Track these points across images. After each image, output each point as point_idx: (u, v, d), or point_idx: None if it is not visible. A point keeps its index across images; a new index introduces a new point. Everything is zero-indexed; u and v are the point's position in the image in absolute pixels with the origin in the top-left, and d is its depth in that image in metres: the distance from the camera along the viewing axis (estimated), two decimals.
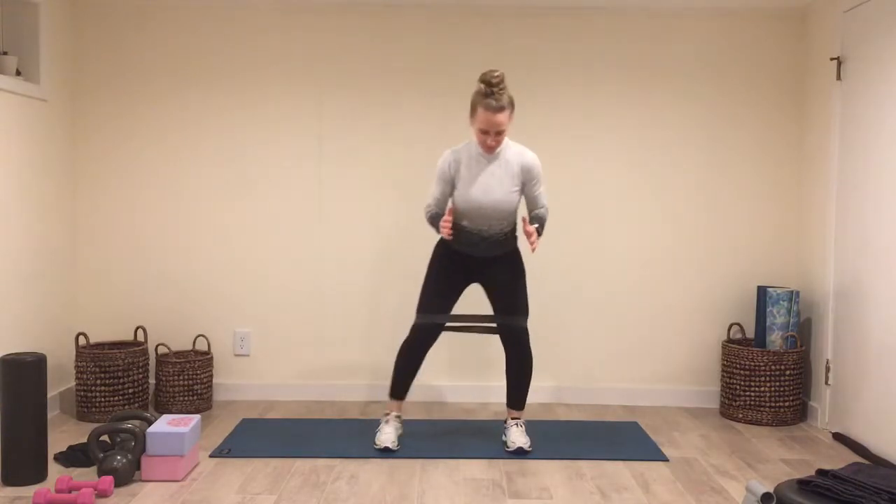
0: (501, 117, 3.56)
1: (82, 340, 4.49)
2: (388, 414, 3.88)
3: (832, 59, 4.22)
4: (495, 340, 4.67)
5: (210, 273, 4.65)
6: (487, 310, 3.96)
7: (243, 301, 4.67)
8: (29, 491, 3.26)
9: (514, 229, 3.79)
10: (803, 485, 3.04)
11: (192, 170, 4.62)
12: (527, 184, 3.72)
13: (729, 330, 4.62)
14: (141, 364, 4.32)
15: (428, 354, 4.68)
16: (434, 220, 3.74)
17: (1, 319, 3.84)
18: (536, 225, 3.70)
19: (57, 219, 4.39)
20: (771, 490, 2.98)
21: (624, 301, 4.68)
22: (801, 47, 4.61)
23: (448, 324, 3.84)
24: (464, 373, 4.70)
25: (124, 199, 4.62)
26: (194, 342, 4.62)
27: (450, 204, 3.75)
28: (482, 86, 3.56)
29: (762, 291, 4.42)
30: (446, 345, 4.65)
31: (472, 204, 3.66)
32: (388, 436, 3.77)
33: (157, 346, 4.51)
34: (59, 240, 4.41)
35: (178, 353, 4.54)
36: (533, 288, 4.66)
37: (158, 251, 4.63)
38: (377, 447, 3.75)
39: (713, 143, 4.64)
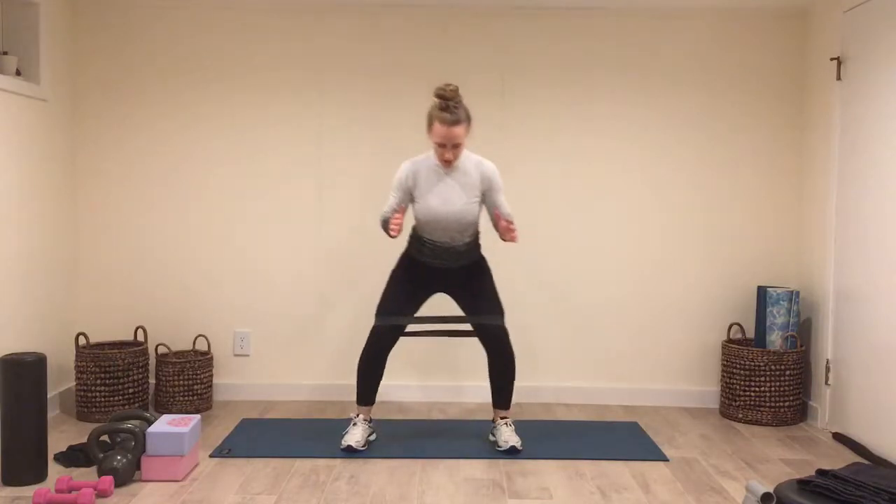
0: (458, 130, 3.58)
1: (82, 340, 4.49)
2: (356, 416, 3.86)
3: (832, 59, 4.22)
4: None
5: (210, 273, 4.65)
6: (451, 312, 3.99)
7: (243, 301, 4.67)
8: (29, 491, 3.26)
9: (476, 238, 3.79)
10: (803, 485, 3.04)
11: (192, 170, 4.62)
12: (487, 193, 3.71)
13: (729, 330, 4.62)
14: (141, 364, 4.32)
15: (428, 354, 4.69)
16: (385, 223, 3.68)
17: (1, 319, 3.84)
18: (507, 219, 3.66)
19: (57, 219, 4.39)
20: (771, 490, 2.98)
21: (624, 301, 4.68)
22: (801, 47, 4.61)
23: (411, 326, 3.83)
24: (463, 373, 4.69)
25: (124, 199, 4.62)
26: (194, 342, 4.62)
27: (399, 206, 3.70)
28: (437, 100, 3.59)
29: (762, 291, 4.42)
30: (447, 345, 4.65)
31: (432, 216, 3.66)
32: (353, 436, 3.76)
33: (157, 346, 4.51)
34: (59, 240, 4.41)
35: (178, 353, 4.54)
36: (533, 288, 4.67)
37: (158, 251, 4.63)
38: (341, 447, 3.74)
39: (713, 143, 4.64)
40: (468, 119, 3.63)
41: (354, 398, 4.63)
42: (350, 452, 3.72)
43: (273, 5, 4.57)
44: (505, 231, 3.58)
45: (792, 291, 4.35)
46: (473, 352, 4.68)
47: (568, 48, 4.61)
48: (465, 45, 4.60)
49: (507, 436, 3.78)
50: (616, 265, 4.67)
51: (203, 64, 4.60)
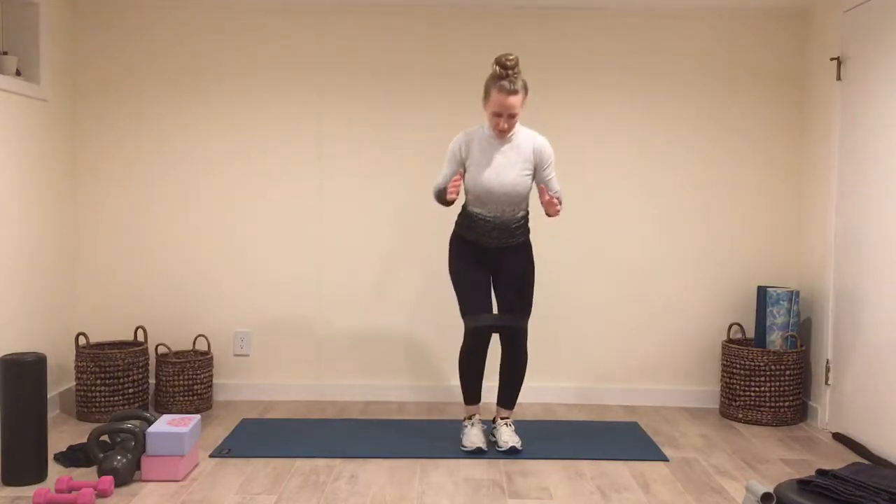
0: (514, 100, 3.56)
1: (82, 340, 4.49)
2: (470, 418, 3.86)
3: (832, 59, 4.22)
4: (495, 341, 4.68)
5: (210, 273, 4.65)
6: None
7: (243, 301, 4.67)
8: (29, 491, 3.26)
9: (526, 218, 3.77)
10: (803, 485, 3.04)
11: (192, 170, 4.62)
12: (538, 168, 3.71)
13: (729, 330, 4.61)
14: (141, 364, 4.32)
15: (429, 355, 4.69)
16: (440, 193, 3.69)
17: (1, 319, 3.84)
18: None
19: (57, 219, 4.39)
20: (771, 490, 2.98)
21: (624, 301, 4.68)
22: (801, 47, 4.61)
23: (496, 323, 3.77)
24: None
25: (124, 199, 4.62)
26: (194, 342, 4.62)
27: (456, 173, 3.69)
28: (497, 68, 3.56)
29: (762, 291, 4.42)
30: (446, 345, 4.64)
31: (484, 187, 3.64)
32: (476, 437, 3.77)
33: (157, 346, 4.51)
34: (59, 240, 4.41)
35: (178, 353, 4.54)
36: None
37: (158, 251, 4.63)
38: (466, 449, 3.74)
39: (713, 143, 4.64)
40: (525, 90, 3.61)
41: (357, 398, 4.66)
42: (479, 454, 3.71)
43: (273, 5, 4.57)
44: (549, 205, 3.58)
45: (792, 291, 4.35)
46: None
47: (568, 48, 4.61)
48: (465, 45, 4.60)
49: (508, 436, 3.78)
50: (616, 265, 4.67)
51: (203, 64, 4.60)
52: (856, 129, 4.03)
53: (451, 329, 4.63)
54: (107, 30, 4.58)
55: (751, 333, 4.64)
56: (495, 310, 3.81)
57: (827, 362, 4.25)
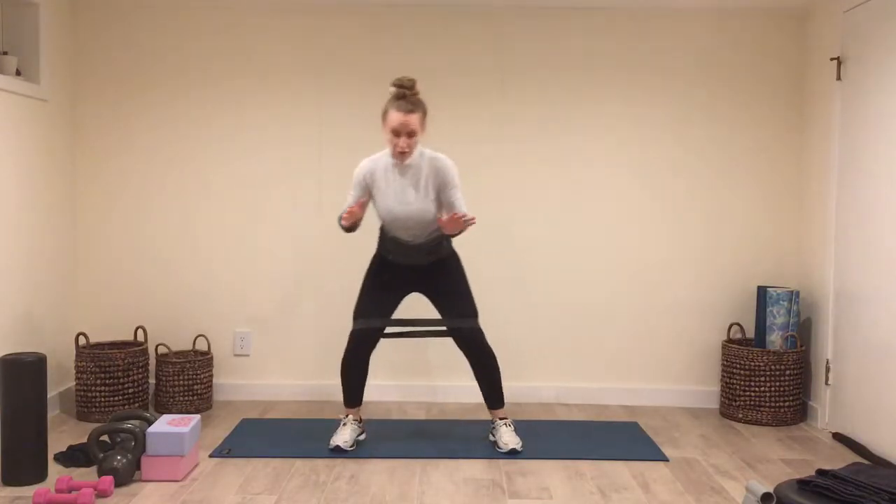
0: (412, 118, 3.56)
1: (82, 340, 4.49)
2: (345, 417, 3.87)
3: (832, 59, 4.22)
4: (495, 341, 4.68)
5: (210, 273, 4.65)
6: (433, 314, 3.99)
7: (243, 301, 4.67)
8: (29, 491, 3.26)
9: (444, 236, 3.74)
10: (803, 485, 3.04)
11: (192, 170, 4.62)
12: (441, 189, 3.66)
13: (729, 330, 4.62)
14: (141, 364, 4.32)
15: (429, 354, 4.69)
16: (340, 218, 3.66)
17: (1, 319, 3.84)
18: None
19: (57, 219, 4.39)
20: (771, 490, 2.98)
21: (624, 301, 4.68)
22: (801, 47, 4.61)
23: (389, 329, 3.83)
24: (464, 373, 4.69)
25: (124, 199, 4.62)
26: (194, 342, 4.62)
27: (358, 201, 3.64)
28: (395, 89, 3.59)
29: (762, 291, 4.42)
30: (446, 345, 4.65)
31: (391, 216, 3.66)
32: (341, 436, 3.77)
33: (157, 346, 4.51)
34: (59, 239, 4.41)
35: (178, 353, 4.54)
36: (533, 288, 4.67)
37: (159, 251, 4.63)
38: (329, 447, 3.75)
39: (713, 143, 4.64)
40: (424, 112, 3.62)
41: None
42: (338, 453, 3.72)
43: (273, 6, 4.57)
44: (448, 225, 3.45)
45: (792, 291, 4.35)
46: None
47: (568, 48, 4.61)
48: (465, 45, 4.60)
49: (507, 437, 3.78)
50: (616, 265, 4.67)
51: (203, 64, 4.60)
52: (856, 129, 4.03)
53: None
54: (107, 30, 4.58)
55: (751, 333, 4.64)
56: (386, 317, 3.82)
57: (827, 362, 4.25)
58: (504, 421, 3.85)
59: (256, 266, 4.66)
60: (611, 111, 4.63)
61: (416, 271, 3.77)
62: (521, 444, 3.77)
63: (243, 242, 4.65)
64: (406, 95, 3.58)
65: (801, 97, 4.62)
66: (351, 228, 3.64)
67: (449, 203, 3.66)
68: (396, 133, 3.58)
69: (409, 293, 3.84)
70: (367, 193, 3.71)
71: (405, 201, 3.64)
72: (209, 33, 4.59)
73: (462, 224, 3.46)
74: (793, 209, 4.65)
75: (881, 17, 3.83)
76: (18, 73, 4.09)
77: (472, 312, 3.79)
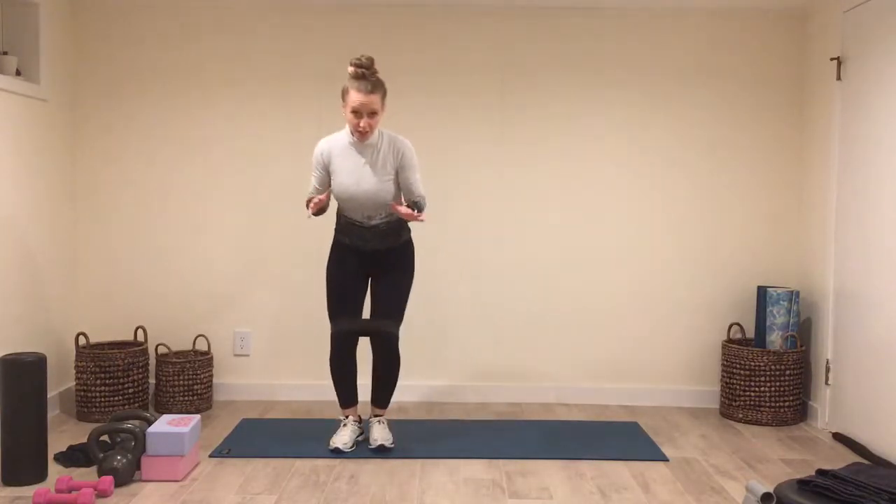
0: (373, 98, 3.54)
1: (82, 340, 4.49)
2: (344, 418, 3.88)
3: (832, 59, 4.22)
4: (495, 341, 4.68)
5: (210, 273, 4.65)
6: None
7: (243, 301, 4.67)
8: (29, 491, 3.26)
9: (400, 221, 3.73)
10: (803, 485, 3.04)
11: (192, 169, 4.62)
12: (400, 170, 3.65)
13: (729, 330, 4.61)
14: (141, 364, 4.32)
15: (428, 354, 4.68)
16: (307, 203, 3.68)
17: (1, 319, 3.84)
18: (409, 204, 3.63)
19: (57, 219, 4.39)
20: (771, 490, 2.98)
21: (624, 301, 4.68)
22: (801, 47, 4.61)
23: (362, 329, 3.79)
24: (463, 373, 4.69)
25: (124, 199, 4.62)
26: (194, 342, 4.62)
27: (321, 185, 3.70)
28: (353, 69, 3.55)
29: (762, 291, 4.42)
30: (446, 345, 4.65)
31: (346, 194, 3.64)
32: (340, 437, 3.77)
33: (157, 346, 4.51)
34: (58, 239, 4.41)
35: (178, 353, 4.54)
36: (533, 288, 4.66)
37: (158, 251, 4.63)
38: (329, 448, 3.75)
39: (713, 143, 4.64)
40: (384, 91, 3.61)
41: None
42: (337, 454, 3.72)
43: (273, 6, 4.57)
44: (405, 216, 3.54)
45: (792, 291, 4.35)
46: (473, 352, 4.69)
47: (568, 48, 4.61)
48: (465, 45, 4.60)
49: (378, 433, 3.78)
50: (616, 265, 4.67)
51: (203, 64, 4.60)
52: (856, 129, 4.03)
53: (451, 329, 4.64)
54: (107, 30, 4.58)
55: (751, 333, 4.64)
56: (367, 313, 3.81)
57: (827, 362, 4.25)
58: (378, 418, 3.85)
59: (256, 266, 4.66)
60: (610, 111, 4.63)
61: (371, 255, 3.72)
62: (391, 440, 3.78)
63: (244, 242, 4.65)
64: (365, 75, 3.55)
65: (801, 97, 4.62)
66: (318, 213, 3.64)
67: (406, 185, 3.66)
68: (357, 113, 3.55)
69: (368, 276, 3.80)
70: (327, 174, 3.69)
71: (362, 181, 3.62)
72: (209, 33, 4.59)
73: (412, 219, 3.54)
74: (793, 209, 4.65)
75: (881, 17, 3.83)
76: (18, 73, 4.09)
77: (397, 316, 3.75)
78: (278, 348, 4.69)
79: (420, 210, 3.61)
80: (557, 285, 4.66)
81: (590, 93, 4.62)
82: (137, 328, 4.53)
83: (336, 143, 3.69)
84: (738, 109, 4.63)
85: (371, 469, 3.57)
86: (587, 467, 3.62)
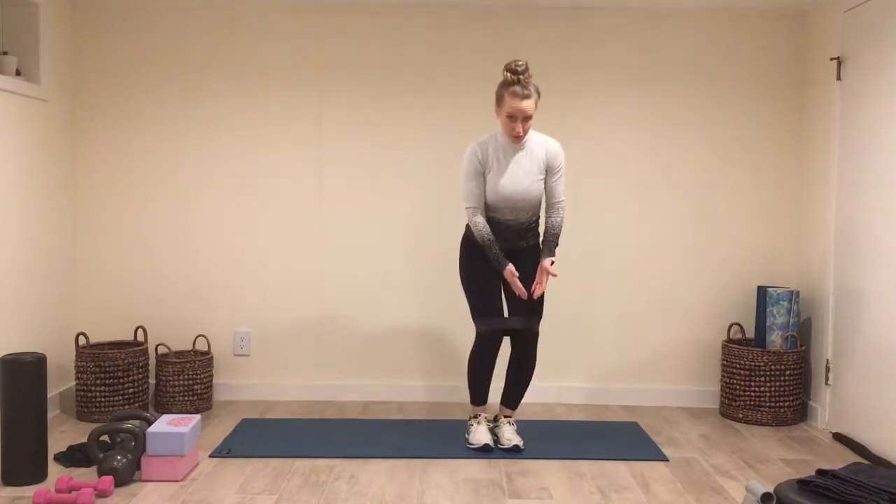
0: (528, 103, 3.61)
1: (82, 340, 4.49)
2: (476, 416, 3.89)
3: (832, 59, 4.22)
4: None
5: (210, 273, 4.65)
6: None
7: (243, 301, 4.67)
8: (29, 491, 3.26)
9: (537, 221, 3.84)
10: (803, 485, 3.04)
11: (192, 170, 4.62)
12: (549, 172, 3.77)
13: (729, 330, 4.61)
14: (141, 364, 4.32)
15: (428, 354, 4.68)
16: (483, 239, 3.69)
17: (1, 319, 3.84)
18: (552, 259, 3.71)
19: (57, 218, 4.39)
20: (771, 490, 2.98)
21: (624, 301, 4.68)
22: (801, 47, 4.61)
23: (508, 327, 3.80)
24: (463, 373, 4.69)
25: (124, 199, 4.62)
26: (194, 342, 4.62)
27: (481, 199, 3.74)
28: (508, 74, 3.62)
29: (762, 291, 4.42)
30: (446, 344, 4.65)
31: (501, 195, 3.70)
32: (483, 434, 3.80)
33: (157, 346, 4.51)
34: (58, 239, 4.41)
35: (178, 353, 4.54)
36: None
37: (158, 251, 4.63)
38: (473, 446, 3.77)
39: (713, 143, 4.64)
40: (538, 94, 3.66)
41: (357, 398, 4.66)
42: (487, 451, 3.74)
43: (274, 5, 4.57)
44: (542, 273, 3.69)
45: (792, 291, 4.35)
46: None
47: (568, 48, 4.61)
48: (465, 45, 4.60)
49: (511, 434, 3.81)
50: (616, 265, 4.67)
51: (203, 64, 4.60)
52: (856, 129, 4.03)
53: (451, 329, 4.64)
54: (107, 30, 4.58)
55: (751, 333, 4.64)
56: (506, 313, 3.83)
57: (827, 362, 4.25)
58: (508, 419, 3.89)
59: (257, 266, 4.66)
60: (610, 112, 4.63)
61: (516, 253, 3.79)
62: (523, 442, 3.80)
63: (244, 242, 4.65)
64: (520, 80, 3.61)
65: (800, 97, 4.62)
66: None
67: (551, 186, 3.77)
68: (513, 118, 3.63)
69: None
70: (484, 179, 3.73)
71: (517, 182, 3.70)
72: (209, 33, 4.59)
73: (542, 284, 3.71)
74: (793, 209, 4.65)
75: (881, 17, 3.83)
76: (18, 73, 4.09)
77: (540, 313, 3.82)
78: (278, 348, 4.69)
79: (553, 254, 3.75)
80: (556, 285, 4.65)
81: (589, 93, 4.62)
82: (137, 328, 4.53)
83: (489, 145, 3.75)
84: (738, 109, 4.63)
85: (371, 469, 3.57)
86: (587, 467, 3.62)
